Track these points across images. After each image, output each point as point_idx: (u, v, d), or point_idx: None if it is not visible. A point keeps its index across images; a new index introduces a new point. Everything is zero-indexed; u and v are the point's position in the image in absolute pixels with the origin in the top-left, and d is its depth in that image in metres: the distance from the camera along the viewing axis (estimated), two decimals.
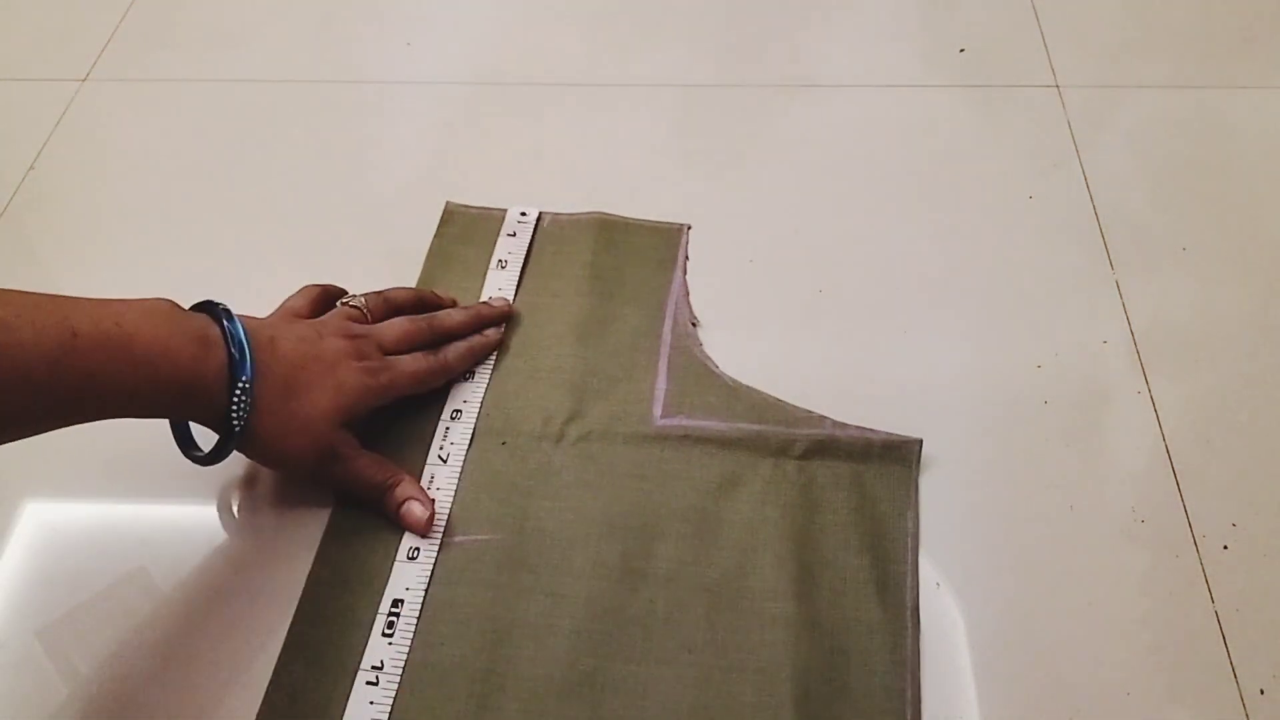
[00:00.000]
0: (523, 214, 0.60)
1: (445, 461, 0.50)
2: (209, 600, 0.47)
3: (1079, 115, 0.65)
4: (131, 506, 0.50)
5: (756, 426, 0.50)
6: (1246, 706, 0.42)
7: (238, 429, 0.43)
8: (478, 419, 0.51)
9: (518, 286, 0.57)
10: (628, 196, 0.62)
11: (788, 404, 0.51)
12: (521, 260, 0.58)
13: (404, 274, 0.59)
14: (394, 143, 0.66)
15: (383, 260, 0.59)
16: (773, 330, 0.55)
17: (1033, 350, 0.54)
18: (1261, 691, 0.42)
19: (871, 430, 0.49)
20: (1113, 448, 0.50)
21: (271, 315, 0.49)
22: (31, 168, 0.66)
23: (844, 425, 0.50)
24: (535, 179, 0.63)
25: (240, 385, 0.42)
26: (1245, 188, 0.61)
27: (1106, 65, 0.69)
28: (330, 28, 0.75)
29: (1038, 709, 0.42)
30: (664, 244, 0.59)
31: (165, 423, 0.52)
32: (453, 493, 0.49)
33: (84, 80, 0.71)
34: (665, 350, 0.54)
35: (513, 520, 0.48)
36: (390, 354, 0.49)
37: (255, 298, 0.58)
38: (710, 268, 0.58)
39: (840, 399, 0.52)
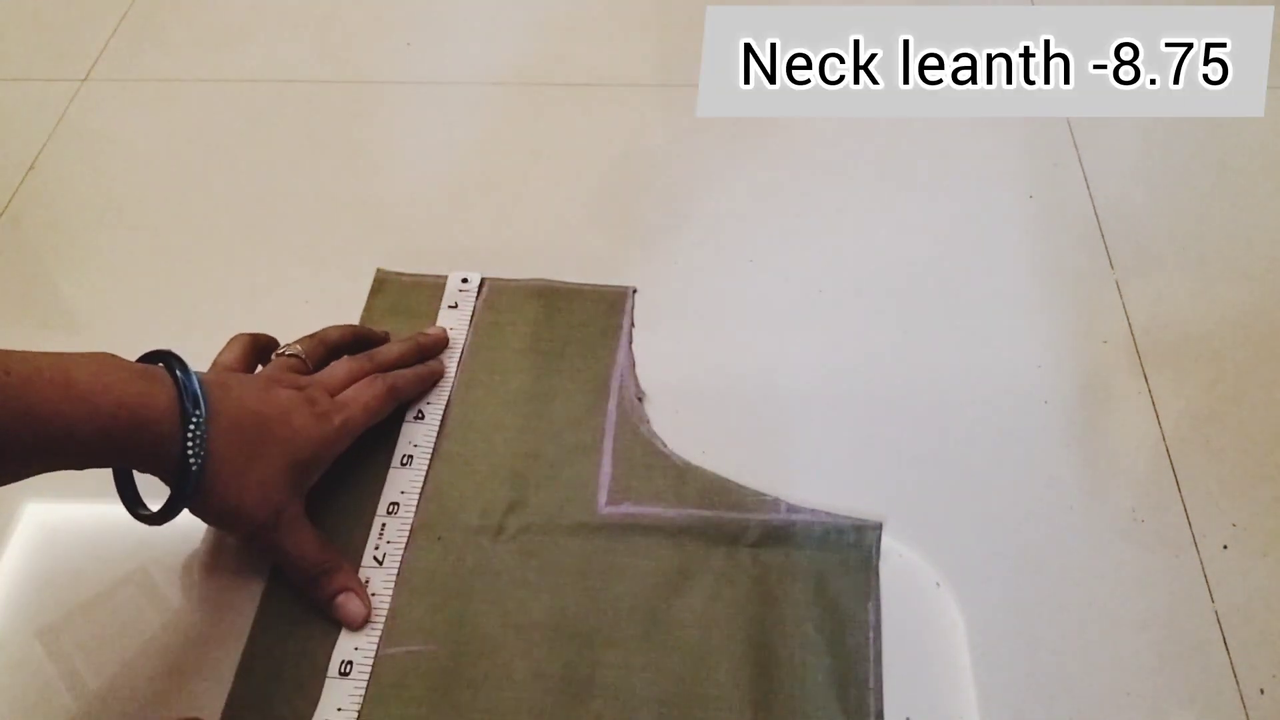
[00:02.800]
0: (464, 280, 0.57)
1: (381, 564, 0.46)
2: (209, 600, 0.47)
3: (1079, 115, 0.65)
4: None
5: (707, 512, 0.47)
6: (1246, 706, 0.42)
7: (195, 467, 0.40)
8: (415, 513, 0.48)
9: (458, 364, 0.54)
10: (625, 198, 0.62)
11: (740, 486, 0.48)
12: (464, 336, 0.55)
13: (402, 270, 0.59)
14: (393, 142, 0.67)
15: (382, 264, 0.59)
16: (773, 329, 0.55)
17: (1033, 350, 0.54)
18: (1261, 691, 0.42)
19: (828, 514, 0.47)
20: (1113, 448, 0.50)
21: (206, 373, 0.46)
22: (31, 168, 0.66)
23: (799, 508, 0.47)
24: (532, 178, 0.64)
25: (195, 419, 0.39)
26: (1245, 187, 0.61)
27: None
28: (330, 28, 0.75)
29: (1038, 709, 0.42)
30: (607, 310, 0.56)
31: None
32: (389, 599, 0.45)
33: (84, 80, 0.71)
34: (610, 430, 0.51)
35: (449, 628, 0.45)
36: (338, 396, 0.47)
37: (256, 296, 0.58)
38: (710, 268, 0.58)
39: (840, 401, 0.52)
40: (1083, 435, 0.50)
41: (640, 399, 0.52)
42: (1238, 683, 0.43)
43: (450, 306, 0.56)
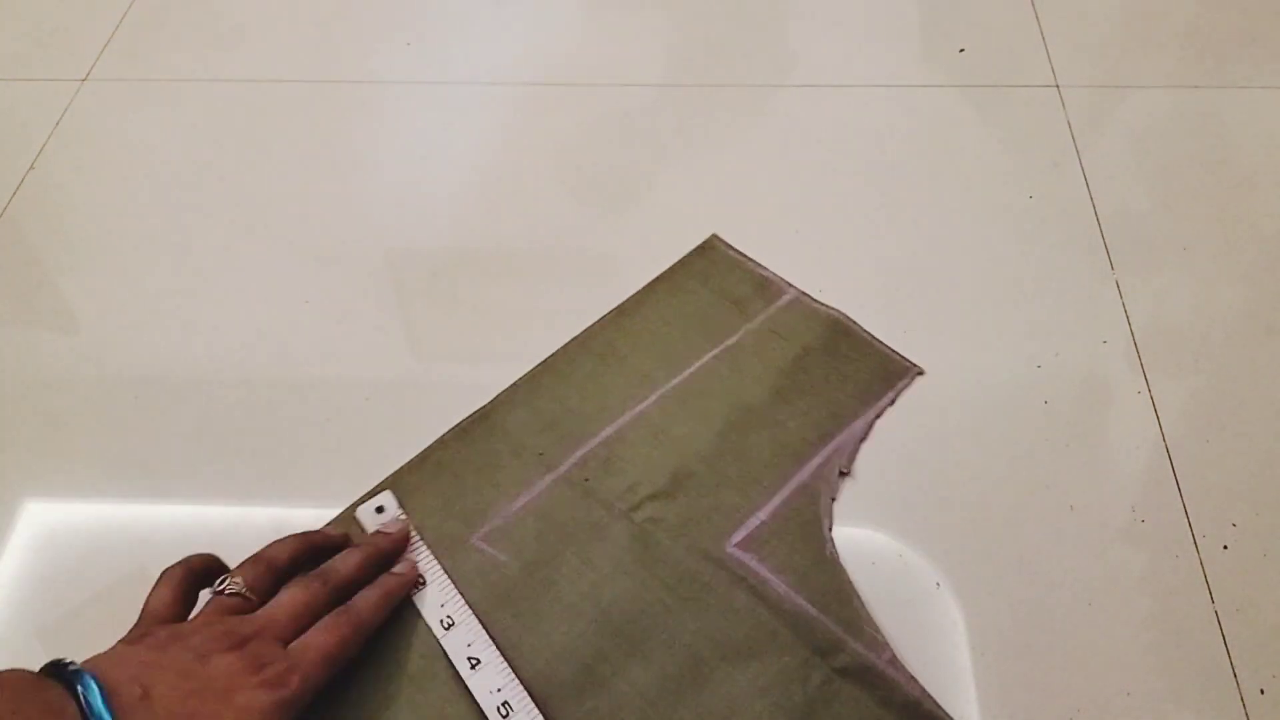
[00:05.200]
0: (379, 509, 0.48)
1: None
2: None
3: (1079, 115, 0.65)
4: (131, 506, 0.50)
5: (814, 612, 0.44)
6: (1246, 706, 0.42)
7: None
8: (579, 453, 0.49)
9: (727, 338, 0.54)
10: (626, 199, 0.62)
11: (863, 607, 0.45)
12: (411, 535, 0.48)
13: (399, 273, 0.59)
14: (393, 143, 0.67)
15: (381, 263, 0.59)
16: None
17: (1033, 350, 0.54)
18: (1261, 691, 0.42)
19: (926, 692, 0.42)
20: (1113, 448, 0.50)
21: (134, 630, 0.40)
22: (31, 168, 0.66)
23: (900, 665, 0.43)
24: (532, 178, 0.64)
25: None
26: (1245, 188, 0.61)
27: (1106, 65, 0.69)
28: (330, 28, 0.75)
29: (1038, 709, 0.42)
30: (881, 375, 0.52)
31: (167, 425, 0.52)
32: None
33: (84, 80, 0.71)
34: (794, 485, 0.48)
35: (534, 555, 0.46)
36: (291, 642, 0.40)
37: (255, 296, 0.58)
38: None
39: None
40: (1083, 435, 0.50)
41: (844, 474, 0.49)
42: (1238, 683, 0.43)
43: (377, 510, 0.49)
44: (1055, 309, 0.55)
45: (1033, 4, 0.73)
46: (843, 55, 0.70)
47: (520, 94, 0.69)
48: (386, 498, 0.49)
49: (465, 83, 0.70)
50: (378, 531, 0.47)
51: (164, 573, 0.42)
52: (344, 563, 0.44)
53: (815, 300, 0.55)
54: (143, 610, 0.41)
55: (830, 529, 0.47)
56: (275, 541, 0.44)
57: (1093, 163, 0.62)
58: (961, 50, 0.70)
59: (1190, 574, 0.46)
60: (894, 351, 0.53)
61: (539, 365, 0.54)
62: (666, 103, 0.68)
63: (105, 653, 0.37)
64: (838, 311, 0.55)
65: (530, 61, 0.71)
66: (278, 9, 0.76)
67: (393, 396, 0.53)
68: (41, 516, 0.50)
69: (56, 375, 0.55)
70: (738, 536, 0.47)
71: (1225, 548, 0.46)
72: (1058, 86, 0.67)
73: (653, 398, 0.52)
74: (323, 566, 0.44)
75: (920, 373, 0.52)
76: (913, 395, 0.52)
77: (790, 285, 0.56)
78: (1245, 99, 0.66)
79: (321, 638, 0.40)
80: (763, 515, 0.47)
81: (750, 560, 0.46)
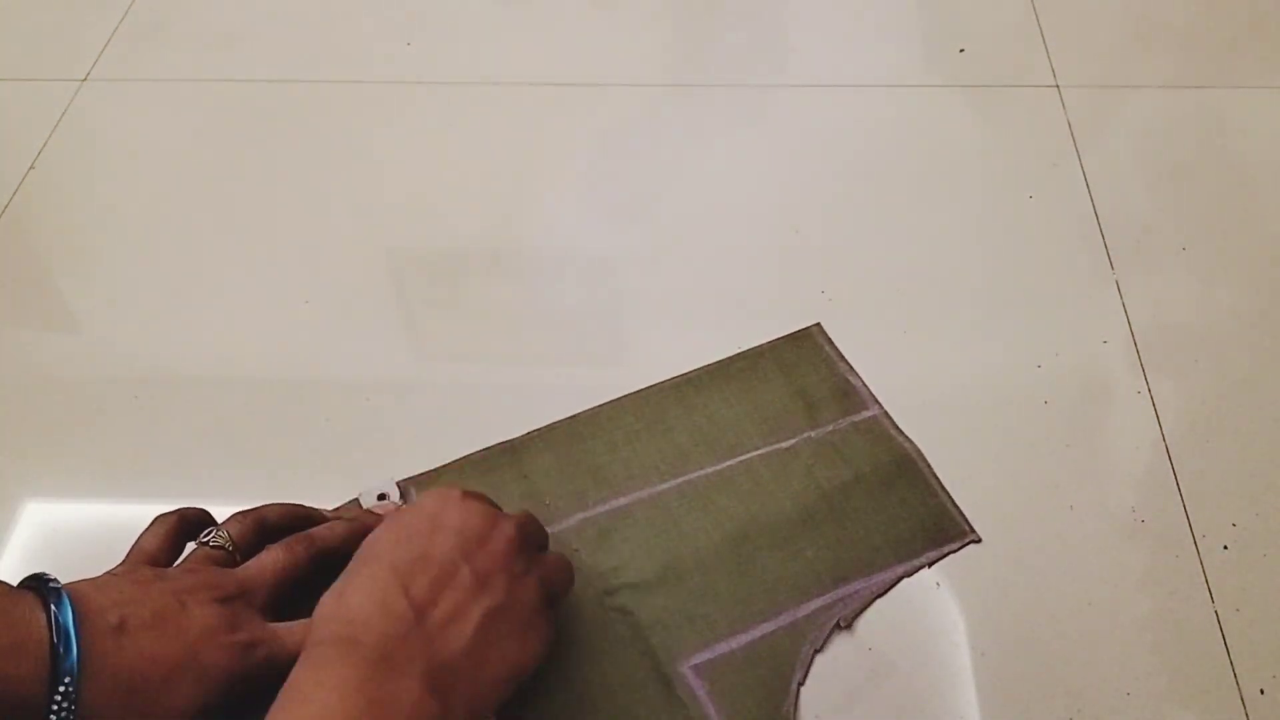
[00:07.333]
0: (380, 497, 0.49)
1: None
2: None
3: (1079, 115, 0.65)
4: (131, 506, 0.50)
5: None
6: (1246, 706, 0.42)
7: None
8: (581, 515, 0.48)
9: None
10: (626, 198, 0.62)
11: None
12: None
13: (400, 273, 0.59)
14: (393, 142, 0.67)
15: (382, 264, 0.59)
16: (775, 331, 0.55)
17: (1033, 350, 0.54)
18: (1261, 691, 0.42)
19: None
20: (1113, 448, 0.50)
21: (120, 565, 0.40)
22: (31, 168, 0.66)
23: None
24: (532, 178, 0.64)
25: (62, 687, 0.33)
26: (1245, 188, 0.61)
27: (1106, 65, 0.69)
28: (330, 28, 0.75)
29: (1038, 709, 0.42)
30: (930, 532, 0.47)
31: (167, 425, 0.52)
32: None
33: (84, 80, 0.71)
34: (783, 621, 0.44)
35: None
36: (272, 603, 0.40)
37: (256, 296, 0.58)
38: (711, 270, 0.58)
39: None
40: (1083, 435, 0.50)
41: (841, 627, 0.44)
42: (1238, 683, 0.43)
43: (380, 497, 0.49)
44: (1055, 309, 0.55)
45: (1033, 4, 0.73)
46: (842, 55, 0.70)
47: (520, 94, 0.69)
48: (390, 486, 0.49)
49: (466, 83, 0.70)
50: (368, 511, 0.47)
51: (157, 517, 0.42)
52: (331, 531, 0.43)
53: (896, 426, 0.50)
54: (131, 548, 0.41)
55: (801, 684, 0.42)
56: (269, 504, 0.44)
57: (1093, 163, 0.62)
58: (961, 50, 0.70)
59: (1190, 574, 0.46)
60: (956, 508, 0.48)
61: (585, 412, 0.51)
62: (669, 103, 0.68)
63: (91, 579, 0.37)
64: (913, 446, 0.50)
65: (531, 61, 0.71)
66: (278, 9, 0.76)
67: (393, 396, 0.53)
68: (41, 516, 0.50)
69: (56, 375, 0.55)
70: (698, 658, 0.43)
71: (1225, 548, 0.46)
72: (1058, 86, 0.67)
73: (678, 480, 0.49)
74: (309, 531, 0.43)
75: (976, 540, 0.47)
76: (913, 394, 0.52)
77: (876, 401, 0.51)
78: (1245, 99, 0.66)
79: (302, 630, 0.39)
80: (735, 644, 0.43)
81: (700, 690, 0.42)
